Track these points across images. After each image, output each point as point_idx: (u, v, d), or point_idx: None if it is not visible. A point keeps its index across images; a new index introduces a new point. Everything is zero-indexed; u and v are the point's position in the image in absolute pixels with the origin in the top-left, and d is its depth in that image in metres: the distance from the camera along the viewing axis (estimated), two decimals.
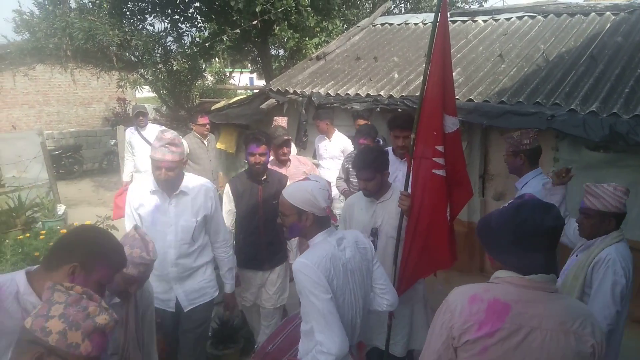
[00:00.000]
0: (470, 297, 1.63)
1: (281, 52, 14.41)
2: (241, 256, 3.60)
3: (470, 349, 1.59)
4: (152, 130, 6.49)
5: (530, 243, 1.58)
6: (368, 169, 2.98)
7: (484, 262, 5.86)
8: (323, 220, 2.27)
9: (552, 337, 1.54)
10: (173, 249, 2.98)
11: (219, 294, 3.35)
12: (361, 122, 5.54)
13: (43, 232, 6.77)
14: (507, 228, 1.61)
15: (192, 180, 3.06)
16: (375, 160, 3.02)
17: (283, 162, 4.27)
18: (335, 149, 5.69)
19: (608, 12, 6.40)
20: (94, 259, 1.70)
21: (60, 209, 7.38)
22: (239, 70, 18.77)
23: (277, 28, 10.02)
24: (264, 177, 3.57)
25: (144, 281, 2.29)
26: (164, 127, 6.61)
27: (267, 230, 3.57)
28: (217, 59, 14.51)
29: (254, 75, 21.23)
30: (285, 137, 4.17)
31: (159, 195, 2.97)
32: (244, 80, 21.75)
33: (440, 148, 2.81)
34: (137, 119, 6.45)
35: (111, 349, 2.18)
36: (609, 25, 6.12)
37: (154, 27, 9.87)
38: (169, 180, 2.86)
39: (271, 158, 4.08)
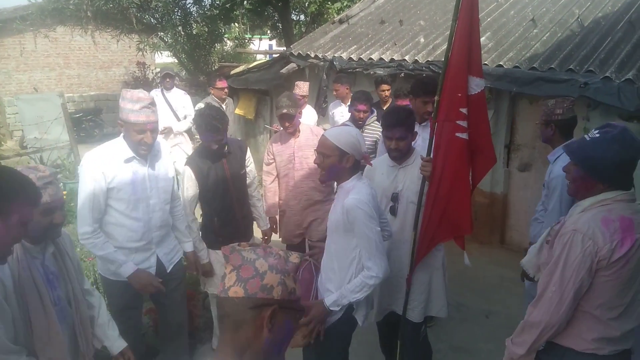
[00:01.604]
0: (602, 220, 1.88)
1: (302, 17, 14.12)
2: (218, 239, 3.37)
3: (615, 265, 1.85)
4: (177, 94, 6.42)
5: (633, 162, 1.91)
6: (402, 127, 2.86)
7: (504, 233, 5.76)
8: (357, 165, 2.48)
9: None
10: (158, 212, 2.93)
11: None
12: (384, 87, 5.37)
13: (65, 192, 6.88)
14: (619, 151, 1.87)
15: (158, 143, 2.99)
16: (409, 118, 2.92)
17: (290, 132, 3.93)
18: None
19: None
20: (7, 200, 1.53)
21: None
22: (259, 36, 18.50)
23: None
24: (226, 149, 3.35)
25: (62, 204, 2.06)
26: (186, 94, 6.58)
27: (240, 203, 3.48)
28: (236, 24, 14.31)
29: (274, 41, 20.90)
30: (285, 111, 3.73)
31: (136, 162, 2.81)
32: (264, 46, 21.46)
33: (464, 110, 2.70)
34: (164, 80, 6.36)
35: (64, 299, 2.13)
36: None
37: None
38: (151, 144, 2.75)
39: (280, 128, 4.00)
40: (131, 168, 2.80)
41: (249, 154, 3.56)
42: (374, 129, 4.48)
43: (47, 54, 13.01)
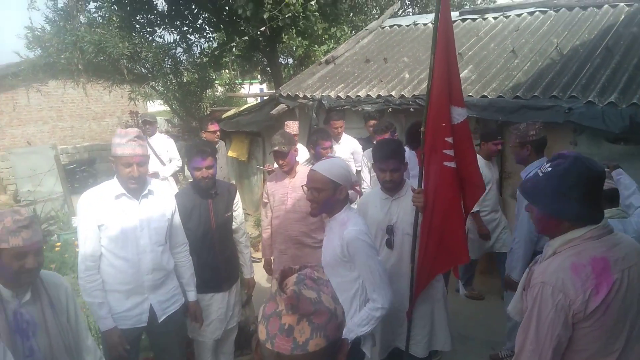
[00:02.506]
0: (571, 267, 1.67)
1: (290, 60, 14.47)
2: (197, 281, 3.24)
3: (594, 315, 1.64)
4: (159, 139, 6.47)
5: (596, 191, 1.72)
6: (395, 159, 2.90)
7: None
8: (347, 196, 2.53)
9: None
10: (149, 254, 2.79)
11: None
12: (372, 123, 5.46)
13: (58, 244, 6.80)
14: (574, 185, 1.69)
15: (155, 183, 2.95)
16: (400, 149, 2.97)
17: (285, 171, 3.78)
18: (346, 151, 5.54)
19: (622, 4, 6.27)
20: None
21: (75, 221, 7.39)
22: (249, 81, 18.86)
23: (286, 36, 10.06)
24: (214, 190, 3.29)
25: (38, 250, 2.01)
26: (169, 138, 6.66)
27: (222, 246, 3.35)
28: (226, 70, 14.61)
29: (264, 85, 21.33)
30: (277, 148, 3.60)
31: (126, 199, 2.76)
32: (254, 91, 21.87)
33: (449, 139, 2.77)
34: (143, 127, 6.44)
35: (40, 352, 2.04)
36: (623, 16, 5.99)
37: (163, 39, 9.94)
38: (141, 177, 2.72)
39: (275, 165, 3.97)
40: (121, 205, 2.74)
41: (237, 198, 3.49)
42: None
43: (40, 107, 13.16)
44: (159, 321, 2.90)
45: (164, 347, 3.03)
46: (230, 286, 3.43)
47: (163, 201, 2.92)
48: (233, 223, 3.47)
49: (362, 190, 4.86)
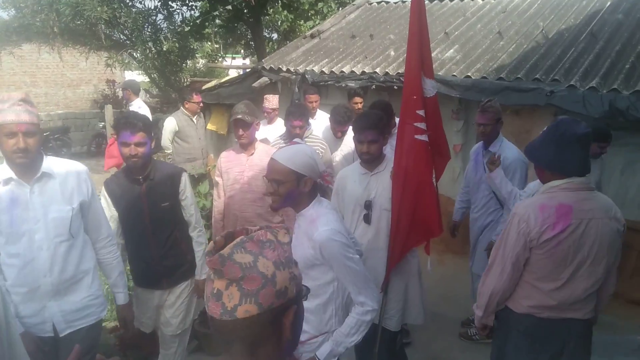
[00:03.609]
0: (540, 206, 2.15)
1: (275, 35, 14.21)
2: (132, 272, 2.97)
3: (546, 245, 2.13)
4: (135, 107, 6.34)
5: (570, 149, 2.12)
6: (374, 130, 2.80)
7: None
8: (316, 188, 2.18)
9: (603, 224, 2.15)
10: (45, 251, 2.26)
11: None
12: (357, 100, 5.37)
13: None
14: (551, 141, 2.16)
15: (56, 162, 2.38)
16: (381, 121, 2.89)
17: (242, 145, 3.44)
18: (320, 127, 5.45)
19: None
20: None
21: None
22: (231, 55, 18.52)
23: (271, 9, 9.85)
24: (146, 173, 2.79)
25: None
26: (141, 107, 6.53)
27: (157, 240, 2.87)
28: (209, 42, 14.29)
29: (247, 60, 21.02)
30: (239, 116, 3.28)
31: (15, 185, 2.23)
32: (235, 73, 21.51)
33: (421, 112, 2.76)
34: (124, 92, 6.32)
35: None
36: (609, 3, 5.99)
37: (143, 5, 9.65)
38: (29, 150, 2.16)
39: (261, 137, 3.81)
40: (9, 192, 2.22)
41: (185, 185, 2.94)
42: (312, 143, 4.10)
43: (13, 72, 12.71)
44: (61, 335, 2.35)
45: None
46: (173, 285, 2.96)
47: (66, 185, 2.36)
48: (184, 214, 2.99)
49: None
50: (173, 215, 2.92)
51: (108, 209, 2.78)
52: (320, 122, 5.38)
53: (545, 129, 2.28)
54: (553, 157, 2.16)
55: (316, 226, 2.08)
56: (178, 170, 3.00)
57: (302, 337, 2.23)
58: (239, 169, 3.44)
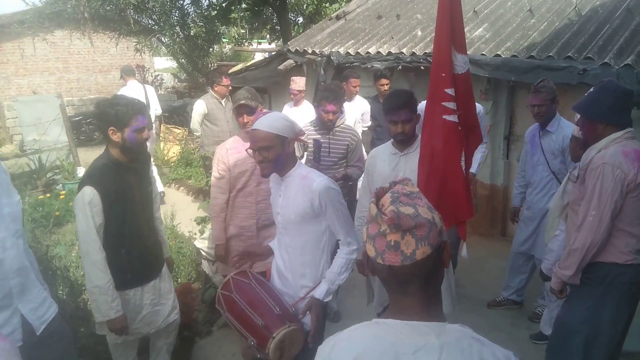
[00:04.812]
0: (622, 153, 2.37)
1: (300, 19, 14.15)
2: (127, 276, 2.67)
3: (637, 187, 2.34)
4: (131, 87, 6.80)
5: (624, 103, 2.45)
6: (406, 108, 2.78)
7: (505, 226, 5.71)
8: (294, 148, 2.42)
9: None
10: (11, 250, 2.06)
11: None
12: (384, 81, 5.33)
13: (63, 192, 6.86)
14: (607, 97, 2.43)
15: None
16: (411, 99, 2.85)
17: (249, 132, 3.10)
18: (357, 111, 5.31)
19: None
20: None
21: (80, 171, 7.43)
22: (257, 40, 18.54)
23: None
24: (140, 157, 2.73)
25: None
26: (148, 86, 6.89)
27: (148, 228, 2.82)
28: (235, 27, 14.34)
29: (273, 45, 21.00)
30: (243, 102, 3.16)
31: None
32: (261, 56, 21.50)
33: (449, 91, 2.60)
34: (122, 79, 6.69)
35: None
36: None
37: None
38: None
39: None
40: None
41: (151, 162, 2.86)
42: (344, 133, 3.87)
43: (46, 58, 13.03)
44: (38, 333, 2.17)
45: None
46: (159, 272, 2.89)
47: (4, 178, 2.16)
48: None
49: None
50: (152, 199, 2.89)
51: (92, 219, 2.44)
52: (356, 105, 5.32)
53: (592, 88, 2.55)
54: (612, 111, 2.41)
55: (311, 179, 2.31)
56: (147, 152, 2.90)
57: (301, 292, 2.42)
58: (251, 161, 3.03)
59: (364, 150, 4.11)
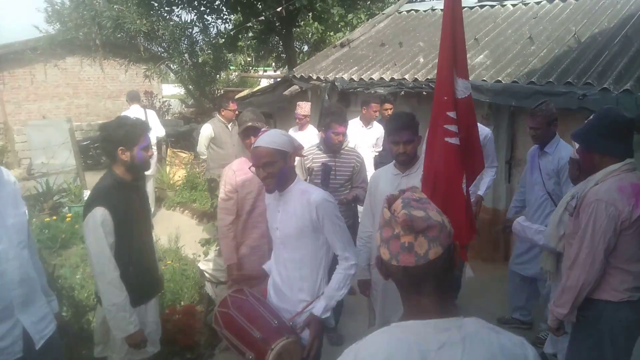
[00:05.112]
0: (617, 188, 2.28)
1: (305, 48, 14.44)
2: (135, 294, 2.64)
3: (636, 222, 2.25)
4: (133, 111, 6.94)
5: (623, 133, 2.35)
6: (408, 130, 2.87)
7: (508, 250, 5.70)
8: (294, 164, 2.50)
9: None
10: (14, 261, 2.08)
11: None
12: (388, 106, 5.44)
13: (69, 215, 6.92)
14: (605, 127, 2.35)
15: None
16: (413, 121, 2.93)
17: None
18: (373, 136, 5.36)
19: None
20: None
21: (87, 194, 7.49)
22: (263, 68, 18.86)
23: (302, 21, 10.04)
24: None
25: None
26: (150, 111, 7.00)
27: (151, 245, 2.92)
28: (242, 55, 14.63)
29: (278, 72, 21.36)
30: (250, 124, 3.19)
31: None
32: (267, 82, 21.84)
33: (451, 114, 2.64)
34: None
35: None
36: None
37: (180, 18, 10.00)
38: None
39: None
40: None
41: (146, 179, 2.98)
42: (349, 155, 3.90)
43: (57, 84, 13.29)
44: (37, 347, 2.18)
45: None
46: (162, 287, 3.02)
47: (11, 189, 2.20)
48: None
49: None
50: (150, 214, 2.98)
51: (105, 239, 2.49)
52: (375, 132, 5.33)
53: (591, 117, 2.48)
54: (609, 141, 2.33)
55: (310, 192, 2.39)
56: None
57: (299, 307, 2.44)
58: (258, 181, 3.02)
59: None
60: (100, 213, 2.48)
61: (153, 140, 6.59)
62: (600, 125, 2.38)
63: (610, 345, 2.39)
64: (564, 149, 3.56)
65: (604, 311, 2.38)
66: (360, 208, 3.91)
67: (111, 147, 2.59)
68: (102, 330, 2.81)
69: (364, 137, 5.28)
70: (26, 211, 2.26)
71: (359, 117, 5.37)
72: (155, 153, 6.76)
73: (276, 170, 2.34)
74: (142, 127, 2.66)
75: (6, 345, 2.08)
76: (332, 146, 3.76)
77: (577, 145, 2.71)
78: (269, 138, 2.36)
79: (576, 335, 2.55)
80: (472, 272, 3.21)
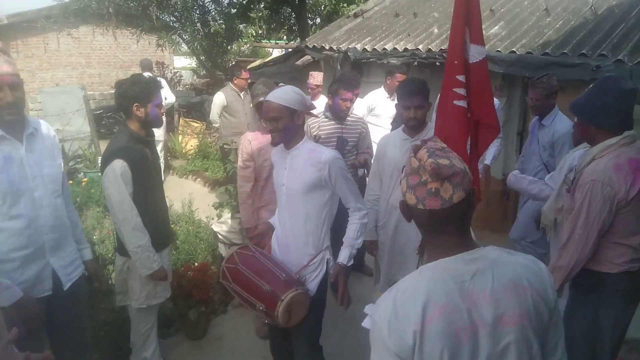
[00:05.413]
0: (613, 166, 2.19)
1: (318, 20, 14.29)
2: (152, 241, 2.78)
3: (632, 201, 2.19)
4: None
5: (620, 104, 2.19)
6: (420, 95, 2.94)
7: None
8: (304, 122, 2.55)
9: None
10: (47, 208, 2.26)
11: None
12: (399, 77, 5.42)
13: (85, 180, 7.08)
14: (601, 98, 2.20)
15: (32, 119, 2.35)
16: (424, 87, 2.99)
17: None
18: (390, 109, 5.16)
19: None
20: None
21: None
22: (275, 41, 18.71)
23: None
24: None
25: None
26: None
27: (163, 198, 3.04)
28: (253, 27, 14.51)
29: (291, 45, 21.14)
30: (262, 99, 3.15)
31: (7, 143, 2.15)
32: (279, 52, 21.67)
33: (461, 78, 2.69)
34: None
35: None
36: None
37: None
38: (18, 105, 2.13)
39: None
40: (2, 151, 2.14)
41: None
42: (356, 122, 3.97)
43: (70, 53, 13.36)
44: (65, 289, 2.38)
45: (67, 320, 2.46)
46: (174, 237, 3.22)
47: (47, 143, 2.35)
48: None
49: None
50: (160, 169, 3.11)
51: (125, 188, 2.62)
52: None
53: (591, 87, 2.32)
54: (605, 113, 2.22)
55: (320, 151, 2.48)
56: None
57: (305, 260, 2.53)
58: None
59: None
60: (119, 165, 2.61)
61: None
62: (595, 96, 2.26)
63: (608, 314, 2.39)
64: (560, 122, 3.63)
65: (601, 281, 2.37)
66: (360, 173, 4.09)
67: (127, 103, 2.69)
68: (120, 279, 2.98)
69: (387, 108, 5.12)
70: (62, 163, 2.44)
71: (382, 87, 5.22)
72: (165, 120, 6.82)
73: (281, 126, 2.40)
74: (155, 85, 2.77)
75: (37, 282, 2.29)
76: (339, 112, 3.77)
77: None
78: (280, 94, 2.41)
79: (574, 302, 2.53)
80: (475, 237, 3.27)
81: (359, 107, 4.79)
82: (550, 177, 3.13)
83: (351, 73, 4.48)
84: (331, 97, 3.80)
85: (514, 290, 1.23)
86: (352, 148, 3.96)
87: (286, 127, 2.41)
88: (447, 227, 1.28)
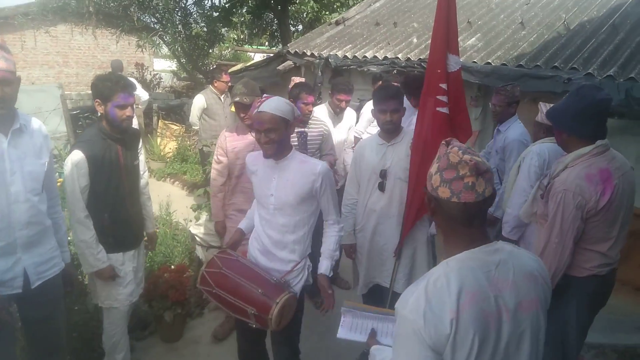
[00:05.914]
0: (585, 176, 2.27)
1: (300, 27, 14.40)
2: (109, 240, 2.80)
3: (602, 210, 2.26)
4: None
5: (593, 114, 2.25)
6: (395, 99, 3.01)
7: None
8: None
9: (629, 174, 2.35)
10: (23, 204, 2.26)
11: None
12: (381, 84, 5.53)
13: (60, 180, 6.96)
14: (575, 107, 2.27)
15: (24, 116, 2.35)
16: (399, 93, 3.09)
17: (248, 124, 3.31)
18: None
19: None
20: None
21: None
22: (256, 46, 18.75)
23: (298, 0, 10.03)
24: (127, 132, 2.85)
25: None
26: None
27: (132, 199, 2.95)
28: (235, 31, 14.52)
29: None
30: (237, 99, 3.25)
31: None
32: (260, 57, 21.68)
33: (443, 86, 2.87)
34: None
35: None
36: None
37: None
38: (7, 100, 2.14)
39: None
40: None
41: (140, 144, 3.08)
42: (317, 124, 4.01)
43: (47, 51, 13.13)
44: (32, 287, 2.36)
45: (39, 320, 2.46)
46: (140, 242, 3.06)
47: (35, 140, 2.36)
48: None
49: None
50: (138, 173, 3.04)
51: (77, 180, 2.62)
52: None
53: (567, 95, 2.40)
54: (579, 123, 2.27)
55: (312, 163, 2.51)
56: (137, 129, 3.15)
57: (289, 267, 2.55)
58: (248, 149, 3.28)
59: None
60: (77, 156, 2.60)
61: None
62: (570, 104, 2.31)
63: (575, 315, 2.47)
64: (514, 130, 3.82)
65: (571, 284, 2.43)
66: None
67: (93, 98, 2.71)
68: (90, 278, 2.95)
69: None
70: (46, 163, 2.39)
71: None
72: (136, 119, 6.73)
73: (277, 138, 2.37)
74: (119, 85, 2.66)
75: (7, 279, 2.27)
76: (302, 116, 3.82)
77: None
78: (275, 105, 2.37)
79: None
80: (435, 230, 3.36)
81: (360, 121, 4.86)
82: (515, 188, 3.24)
83: (344, 79, 4.63)
84: (293, 101, 3.82)
85: (530, 279, 1.37)
86: (316, 150, 4.02)
87: (281, 139, 2.41)
88: (475, 220, 1.37)
